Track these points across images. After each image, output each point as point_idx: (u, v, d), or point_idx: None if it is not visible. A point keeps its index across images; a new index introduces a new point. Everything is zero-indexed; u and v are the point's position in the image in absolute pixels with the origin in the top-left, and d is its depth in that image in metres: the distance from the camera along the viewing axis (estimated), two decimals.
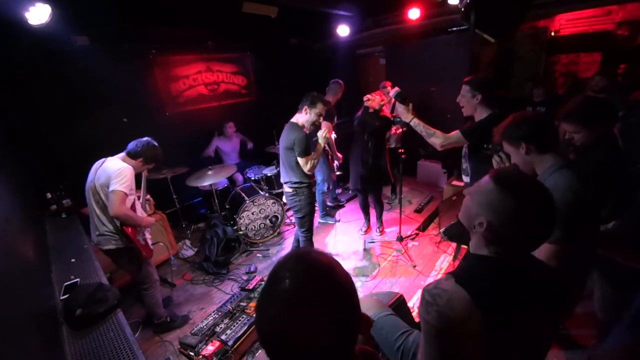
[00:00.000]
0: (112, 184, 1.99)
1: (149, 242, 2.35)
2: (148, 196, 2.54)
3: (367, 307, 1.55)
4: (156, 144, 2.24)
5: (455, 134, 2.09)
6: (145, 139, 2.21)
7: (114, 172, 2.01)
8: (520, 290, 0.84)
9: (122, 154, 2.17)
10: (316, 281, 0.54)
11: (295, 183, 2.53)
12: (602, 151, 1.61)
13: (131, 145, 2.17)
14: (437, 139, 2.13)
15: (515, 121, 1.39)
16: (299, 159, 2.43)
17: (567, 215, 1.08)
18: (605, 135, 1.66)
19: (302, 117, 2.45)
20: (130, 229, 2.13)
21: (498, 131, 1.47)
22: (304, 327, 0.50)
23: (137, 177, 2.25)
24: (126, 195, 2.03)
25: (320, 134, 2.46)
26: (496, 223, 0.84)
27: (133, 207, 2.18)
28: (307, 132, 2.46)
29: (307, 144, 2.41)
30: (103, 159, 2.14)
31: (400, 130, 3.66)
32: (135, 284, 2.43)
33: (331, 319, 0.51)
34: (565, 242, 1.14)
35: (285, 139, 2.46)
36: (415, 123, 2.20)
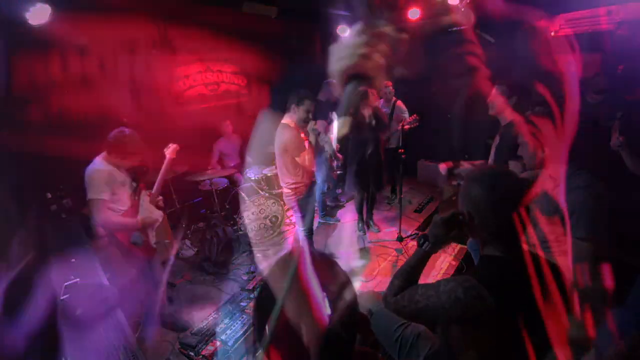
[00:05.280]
0: (88, 193, 1.91)
1: (151, 240, 2.27)
2: (160, 198, 2.38)
3: (364, 300, 1.57)
4: (125, 132, 2.01)
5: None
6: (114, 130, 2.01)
7: (85, 179, 1.93)
8: (527, 287, 0.90)
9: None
10: (322, 262, 0.60)
11: (293, 184, 2.55)
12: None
13: None
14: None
15: None
16: (296, 158, 2.44)
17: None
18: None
19: (292, 117, 2.46)
20: (120, 234, 2.06)
21: None
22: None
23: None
24: (103, 201, 1.92)
25: (310, 127, 2.46)
26: (472, 210, 0.98)
27: (135, 205, 2.12)
28: (299, 130, 2.46)
29: (299, 142, 2.42)
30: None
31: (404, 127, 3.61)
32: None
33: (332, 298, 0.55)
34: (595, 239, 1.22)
35: (277, 141, 2.48)
36: None
